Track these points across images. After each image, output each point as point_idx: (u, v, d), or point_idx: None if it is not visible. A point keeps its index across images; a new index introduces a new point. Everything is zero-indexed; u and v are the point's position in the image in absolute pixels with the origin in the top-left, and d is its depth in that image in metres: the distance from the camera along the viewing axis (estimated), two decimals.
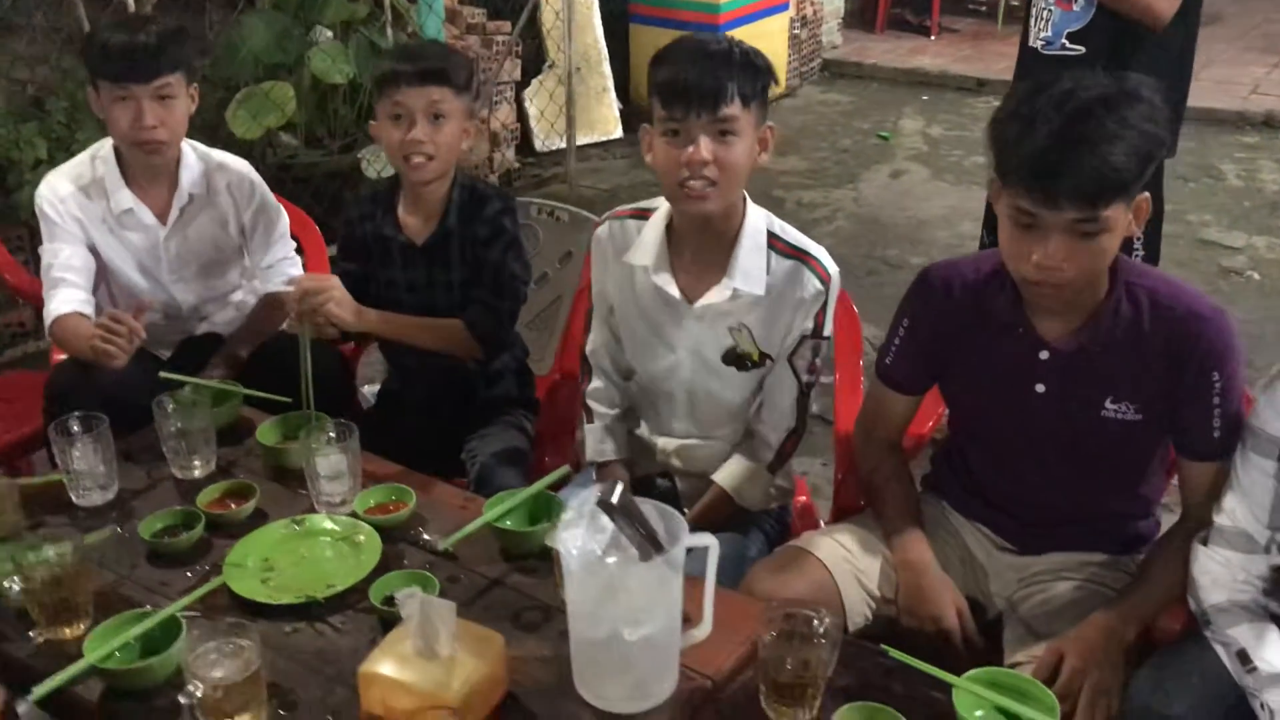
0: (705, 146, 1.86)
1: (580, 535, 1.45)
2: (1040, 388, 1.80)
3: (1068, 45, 2.99)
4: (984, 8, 9.42)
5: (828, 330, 2.04)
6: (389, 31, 4.69)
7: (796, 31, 7.66)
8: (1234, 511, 1.66)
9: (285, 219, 2.68)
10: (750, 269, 1.98)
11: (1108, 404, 1.76)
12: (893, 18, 9.06)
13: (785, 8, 7.33)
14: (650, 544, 1.42)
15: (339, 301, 2.12)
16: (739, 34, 6.87)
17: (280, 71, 4.42)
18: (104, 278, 2.53)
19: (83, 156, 2.51)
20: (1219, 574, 1.66)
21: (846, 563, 1.89)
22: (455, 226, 2.33)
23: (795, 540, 1.96)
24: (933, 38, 8.75)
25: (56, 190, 2.44)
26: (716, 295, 1.99)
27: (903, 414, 2.02)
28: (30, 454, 2.72)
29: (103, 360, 2.17)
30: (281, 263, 2.65)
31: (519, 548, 1.81)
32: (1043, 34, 3.03)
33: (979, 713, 1.47)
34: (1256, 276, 4.81)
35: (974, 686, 1.48)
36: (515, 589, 1.75)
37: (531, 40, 6.16)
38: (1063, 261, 1.61)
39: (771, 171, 6.24)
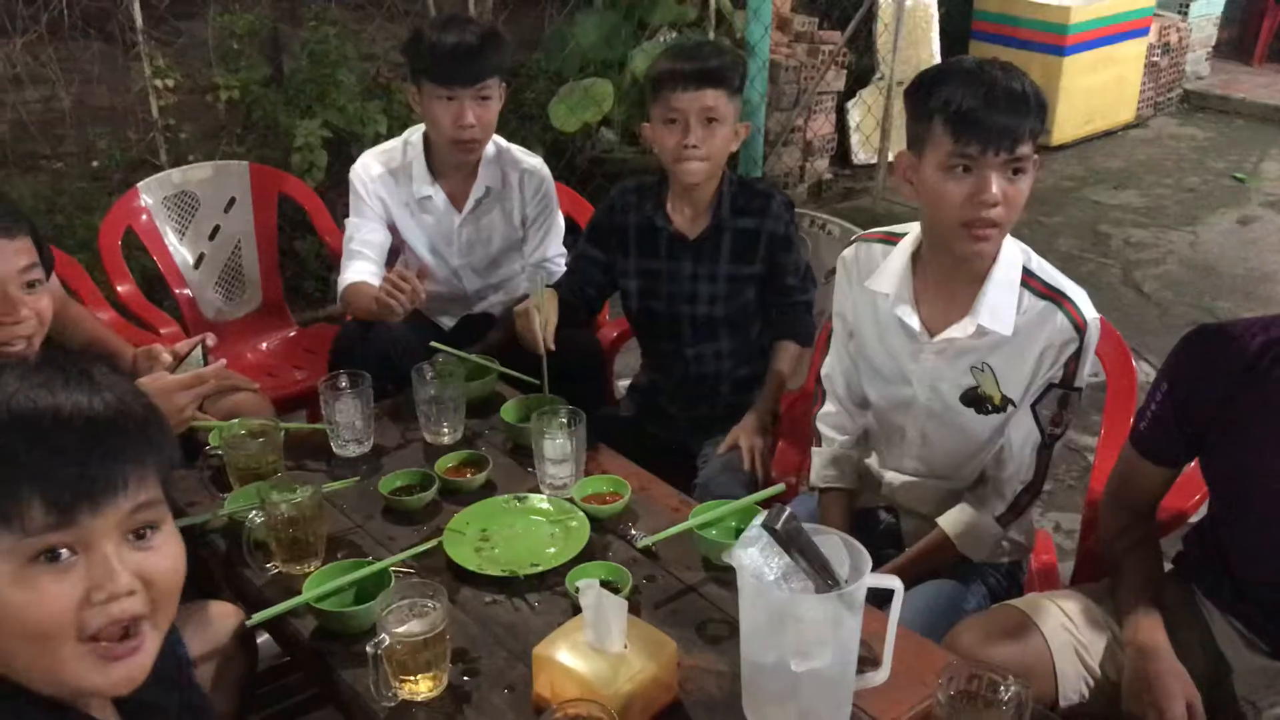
0: (996, 184, 1.75)
1: (755, 555, 1.43)
2: None
3: None
4: None
5: (1080, 381, 1.88)
6: (711, 35, 4.77)
7: (1156, 59, 7.13)
8: None
9: (562, 224, 2.79)
10: (999, 306, 1.85)
11: None
12: (1276, 50, 8.24)
13: (1144, 32, 6.84)
14: (821, 576, 1.37)
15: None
16: (1088, 58, 6.54)
17: (606, 68, 4.60)
18: (400, 254, 2.73)
19: (396, 141, 2.71)
20: None
21: (1067, 632, 1.76)
22: (727, 219, 2.37)
23: (1015, 600, 1.84)
24: None
25: (369, 170, 2.66)
26: (959, 331, 1.88)
27: (1155, 486, 1.84)
28: None
29: (383, 313, 2.33)
30: (548, 262, 2.76)
31: (718, 558, 1.80)
32: None
33: None
34: None
35: None
36: (708, 599, 1.75)
37: (865, 52, 6.09)
38: None
39: (1103, 205, 5.87)
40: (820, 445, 2.13)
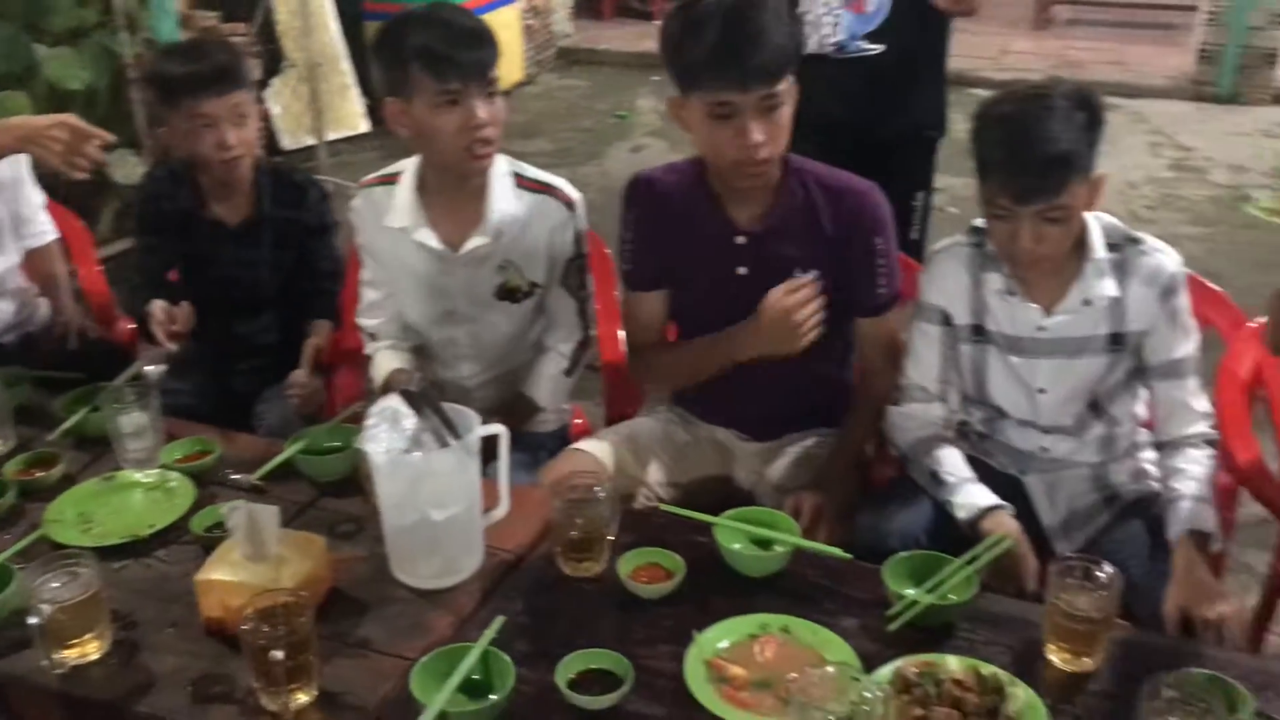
0: (483, 110, 2.05)
1: (384, 435, 1.66)
2: (741, 270, 2.07)
3: (865, 46, 2.90)
4: None
5: (584, 248, 2.30)
6: (123, 35, 4.66)
7: (530, 22, 7.93)
8: (912, 373, 2.06)
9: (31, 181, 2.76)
10: (505, 209, 2.19)
11: (796, 273, 2.01)
12: (619, 5, 9.43)
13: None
14: (448, 430, 1.64)
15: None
16: None
17: (12, 81, 4.34)
18: None
19: None
20: (907, 422, 2.06)
21: (613, 455, 2.13)
22: (268, 209, 2.48)
23: (571, 445, 2.21)
24: (656, 23, 9.09)
25: None
26: (479, 240, 2.19)
27: (660, 313, 2.20)
28: None
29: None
30: (36, 215, 2.74)
31: (325, 473, 1.98)
32: (832, 39, 2.91)
33: (736, 545, 1.76)
34: (955, 211, 5.41)
35: (730, 522, 1.79)
36: (326, 509, 1.93)
37: (267, 41, 6.17)
38: (761, 136, 1.90)
39: (525, 154, 6.42)
40: (374, 355, 2.34)
